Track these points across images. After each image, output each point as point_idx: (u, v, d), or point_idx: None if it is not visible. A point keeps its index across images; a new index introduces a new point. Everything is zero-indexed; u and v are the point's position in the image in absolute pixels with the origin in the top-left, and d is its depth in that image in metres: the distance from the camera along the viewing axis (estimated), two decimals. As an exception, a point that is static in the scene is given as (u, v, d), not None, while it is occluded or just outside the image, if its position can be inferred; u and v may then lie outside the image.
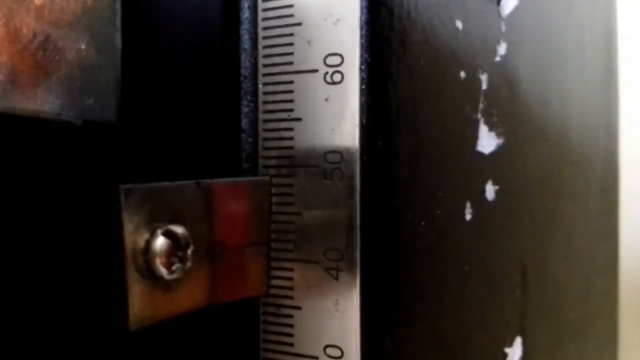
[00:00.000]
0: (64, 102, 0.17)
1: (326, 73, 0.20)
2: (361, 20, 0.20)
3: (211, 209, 0.18)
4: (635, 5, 0.56)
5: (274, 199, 0.21)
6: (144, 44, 0.20)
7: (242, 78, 0.21)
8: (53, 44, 0.17)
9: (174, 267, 0.17)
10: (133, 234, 0.16)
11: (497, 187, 0.27)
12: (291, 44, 0.20)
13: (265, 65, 0.21)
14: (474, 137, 0.25)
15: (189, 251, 0.18)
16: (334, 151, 0.20)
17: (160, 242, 0.17)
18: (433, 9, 0.23)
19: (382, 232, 0.21)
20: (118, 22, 0.18)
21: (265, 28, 0.21)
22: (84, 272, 0.17)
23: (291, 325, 0.21)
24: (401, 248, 0.22)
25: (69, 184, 0.17)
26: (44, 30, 0.17)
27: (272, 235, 0.21)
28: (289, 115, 0.21)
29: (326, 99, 0.20)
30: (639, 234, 0.53)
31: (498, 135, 0.27)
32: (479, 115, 0.25)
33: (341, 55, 0.20)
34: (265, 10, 0.21)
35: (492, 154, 0.26)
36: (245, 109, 0.21)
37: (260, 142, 0.21)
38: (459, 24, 0.24)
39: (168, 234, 0.17)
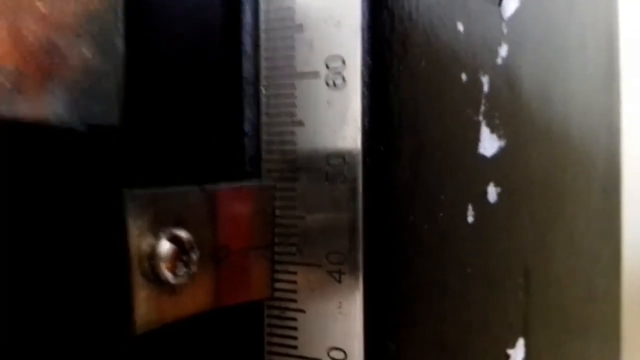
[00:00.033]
0: (68, 108, 0.17)
1: (328, 76, 0.20)
2: (362, 23, 0.20)
3: (215, 213, 0.18)
4: (637, 4, 0.56)
5: (277, 203, 0.21)
6: (145, 47, 0.20)
7: (244, 81, 0.21)
8: (57, 50, 0.17)
9: (178, 271, 0.17)
10: (138, 239, 0.17)
11: (499, 189, 0.27)
12: (292, 47, 0.21)
13: (267, 69, 0.21)
14: (476, 140, 0.25)
15: (194, 255, 0.18)
16: (336, 154, 0.20)
17: (165, 246, 0.17)
18: (434, 11, 0.23)
19: (384, 235, 0.21)
20: (121, 27, 0.18)
21: (267, 32, 0.21)
22: (90, 277, 0.17)
23: (295, 328, 0.21)
24: (403, 251, 0.22)
25: (74, 189, 0.17)
26: (48, 35, 0.17)
27: (276, 239, 0.21)
28: (291, 119, 0.21)
29: (328, 102, 0.20)
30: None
31: (500, 137, 0.27)
32: (481, 118, 0.25)
33: (342, 58, 0.20)
34: (267, 14, 0.21)
35: (494, 156, 0.26)
36: (247, 113, 0.21)
37: (262, 145, 0.21)
38: (460, 26, 0.24)
39: (173, 239, 0.17)
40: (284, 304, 0.21)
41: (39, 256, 0.17)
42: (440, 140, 0.23)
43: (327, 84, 0.20)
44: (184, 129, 0.20)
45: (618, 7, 0.44)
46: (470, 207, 0.25)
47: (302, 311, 0.21)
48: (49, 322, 0.17)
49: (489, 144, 0.26)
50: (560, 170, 0.34)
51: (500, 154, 0.27)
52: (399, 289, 0.21)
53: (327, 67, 0.20)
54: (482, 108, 0.25)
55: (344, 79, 0.20)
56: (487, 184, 0.26)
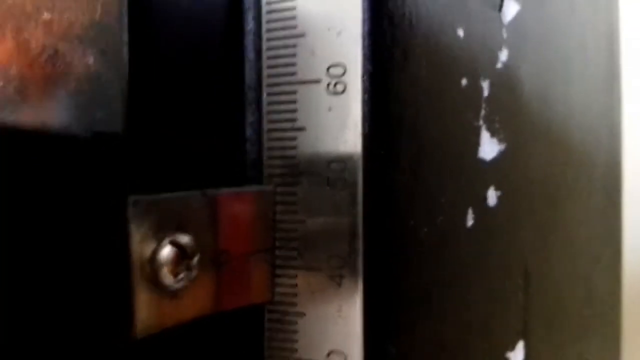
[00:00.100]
0: (73, 115, 0.17)
1: (329, 83, 0.20)
2: (363, 31, 0.20)
3: (216, 218, 0.19)
4: (638, 4, 0.56)
5: (278, 207, 0.21)
6: (148, 54, 0.20)
7: (246, 88, 0.21)
8: (61, 58, 0.17)
9: (179, 276, 0.17)
10: (140, 244, 0.17)
11: (499, 193, 0.27)
12: (295, 55, 0.21)
13: (269, 76, 0.21)
14: (476, 144, 0.26)
15: (195, 260, 0.18)
16: (337, 160, 0.20)
17: (166, 251, 0.17)
18: (434, 17, 0.23)
19: (384, 239, 0.21)
20: (125, 35, 0.18)
21: (269, 39, 0.21)
22: (92, 281, 0.18)
23: (295, 331, 0.21)
24: (403, 254, 0.22)
25: (76, 195, 0.17)
26: (53, 43, 0.17)
27: (277, 243, 0.21)
28: (293, 125, 0.21)
29: (329, 109, 0.20)
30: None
31: (500, 141, 0.27)
32: (481, 122, 0.26)
33: (344, 66, 0.20)
34: (269, 21, 0.21)
35: (494, 160, 0.27)
36: (249, 118, 0.21)
37: (264, 150, 0.21)
38: (460, 32, 0.24)
39: (174, 243, 0.17)
40: (284, 308, 0.21)
41: (41, 260, 0.17)
42: (440, 145, 0.23)
43: (329, 90, 0.20)
44: (186, 134, 0.20)
45: (618, 7, 0.44)
46: (470, 211, 0.25)
47: (303, 314, 0.21)
48: (51, 325, 0.17)
49: (489, 147, 0.26)
50: (561, 172, 0.34)
51: (501, 157, 0.27)
52: (399, 293, 0.22)
53: (329, 73, 0.20)
54: (482, 112, 0.26)
55: (345, 85, 0.20)
56: (487, 188, 0.26)
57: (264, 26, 0.21)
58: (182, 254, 0.18)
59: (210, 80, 0.21)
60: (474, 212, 0.25)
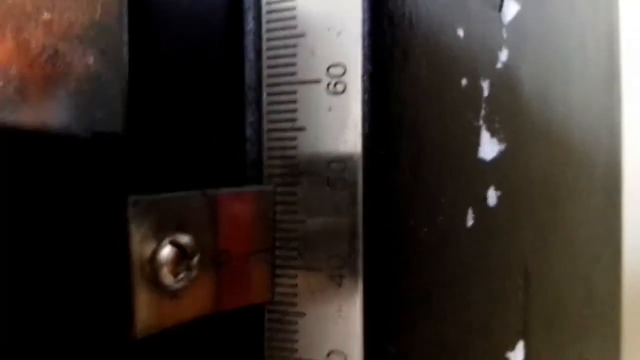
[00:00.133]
0: (73, 115, 0.17)
1: (329, 83, 0.20)
2: (363, 31, 0.20)
3: (216, 218, 0.19)
4: (638, 4, 0.56)
5: (278, 207, 0.21)
6: (148, 54, 0.20)
7: (246, 88, 0.21)
8: (61, 58, 0.17)
9: (179, 276, 0.17)
10: (140, 244, 0.17)
11: (499, 193, 0.27)
12: (295, 55, 0.21)
13: (269, 76, 0.21)
14: (476, 144, 0.26)
15: (195, 260, 0.18)
16: (337, 160, 0.20)
17: (166, 251, 0.17)
18: (434, 18, 0.23)
19: (384, 239, 0.21)
20: (125, 35, 0.18)
21: (269, 39, 0.21)
22: (92, 281, 0.18)
23: (295, 331, 0.21)
24: (403, 254, 0.22)
25: (76, 195, 0.17)
26: (53, 43, 0.17)
27: (277, 243, 0.21)
28: (293, 125, 0.21)
29: (329, 109, 0.20)
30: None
31: (500, 141, 0.27)
32: (481, 122, 0.26)
33: (344, 66, 0.20)
34: (269, 21, 0.21)
35: (494, 159, 0.27)
36: (249, 118, 0.21)
37: (264, 150, 0.21)
38: (460, 32, 0.24)
39: (174, 243, 0.17)
40: (284, 308, 0.21)
41: (41, 261, 0.17)
42: (440, 145, 0.23)
43: (329, 90, 0.20)
44: (186, 134, 0.20)
45: (618, 7, 0.44)
46: (470, 211, 0.25)
47: (303, 314, 0.21)
48: (51, 325, 0.17)
49: (489, 147, 0.26)
50: (561, 172, 0.34)
51: (501, 157, 0.27)
52: (399, 293, 0.22)
53: (329, 73, 0.20)
54: (482, 112, 0.26)
55: (345, 85, 0.20)
56: (487, 188, 0.26)
57: (264, 26, 0.21)
58: (182, 254, 0.18)
59: (210, 80, 0.21)
60: (474, 212, 0.25)
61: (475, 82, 0.25)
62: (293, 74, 0.21)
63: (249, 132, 0.21)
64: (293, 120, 0.21)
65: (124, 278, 0.17)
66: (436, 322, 0.24)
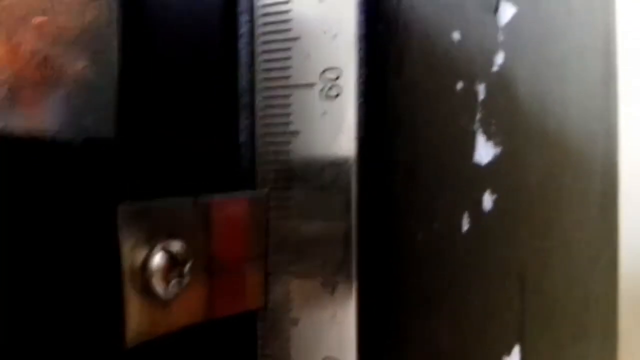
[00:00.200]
0: (64, 121, 0.17)
1: (323, 87, 0.20)
2: (358, 34, 0.20)
3: (209, 224, 0.19)
4: (635, 6, 0.56)
5: (272, 213, 0.21)
6: (141, 58, 0.20)
7: (240, 92, 0.21)
8: (52, 63, 0.17)
9: (171, 284, 0.17)
10: (131, 252, 0.17)
11: (494, 197, 0.27)
12: (289, 58, 0.21)
13: (263, 80, 0.21)
14: (471, 148, 0.25)
15: (187, 267, 0.18)
16: (331, 165, 0.20)
17: (157, 259, 0.17)
18: (430, 21, 0.23)
19: (379, 245, 0.21)
20: (116, 41, 0.18)
21: (263, 42, 0.21)
22: (82, 289, 0.17)
23: (289, 338, 0.21)
24: (398, 260, 0.22)
25: (68, 202, 0.17)
26: (44, 48, 0.17)
27: (270, 249, 0.21)
28: (287, 129, 0.21)
29: (323, 113, 0.20)
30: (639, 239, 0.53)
31: (495, 144, 0.27)
32: (476, 126, 0.25)
33: (338, 69, 0.20)
34: (263, 24, 0.21)
35: (490, 163, 0.26)
36: (243, 123, 0.21)
37: (258, 155, 0.21)
38: (456, 36, 0.24)
39: (166, 251, 0.17)
40: (278, 314, 0.21)
41: (32, 268, 0.17)
42: (435, 149, 0.23)
43: (323, 94, 0.20)
44: (179, 139, 0.20)
45: (615, 9, 0.44)
46: (465, 215, 0.25)
47: (297, 321, 0.21)
48: (42, 334, 0.17)
49: (484, 151, 0.26)
50: (557, 175, 0.34)
51: (496, 161, 0.27)
52: (394, 299, 0.21)
53: (323, 77, 0.20)
54: (478, 116, 0.26)
55: (339, 89, 0.20)
56: (482, 192, 0.26)
57: (258, 29, 0.21)
58: (174, 261, 0.17)
59: (203, 84, 0.21)
60: (470, 217, 0.25)
61: (471, 86, 0.25)
62: (287, 77, 0.21)
63: (242, 136, 0.21)
64: (287, 124, 0.21)
65: (115, 286, 0.17)
66: (431, 328, 0.23)
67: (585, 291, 0.38)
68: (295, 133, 0.21)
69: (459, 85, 0.24)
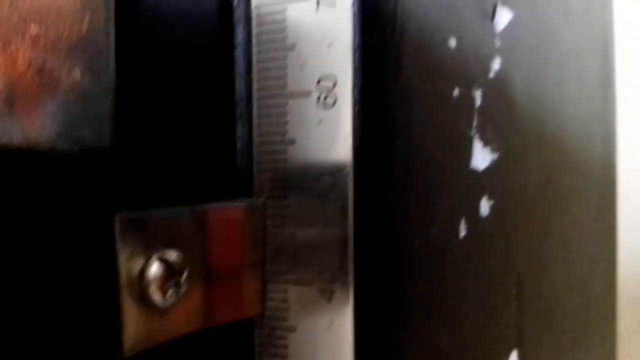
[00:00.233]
0: (59, 131, 0.17)
1: (319, 96, 0.20)
2: (354, 43, 0.20)
3: (205, 233, 0.19)
4: (633, 7, 0.56)
5: (269, 221, 0.21)
6: (137, 66, 0.20)
7: (236, 100, 0.21)
8: (49, 73, 0.17)
9: (169, 293, 0.17)
10: (128, 261, 0.17)
11: (492, 202, 0.27)
12: (285, 67, 0.21)
13: (259, 88, 0.21)
14: (468, 154, 0.25)
15: (184, 276, 0.18)
16: (327, 172, 0.20)
17: (154, 268, 0.17)
18: (426, 28, 0.23)
19: (376, 252, 0.21)
20: (112, 51, 0.18)
21: (259, 51, 0.21)
22: (79, 299, 0.17)
23: (286, 346, 0.21)
24: (396, 267, 0.22)
25: (64, 213, 0.17)
26: (40, 58, 0.17)
27: (267, 257, 0.21)
28: (283, 138, 0.21)
29: (319, 121, 0.20)
30: (638, 242, 0.53)
31: (493, 150, 0.27)
32: (473, 132, 0.25)
33: (334, 77, 0.20)
34: (259, 33, 0.21)
35: (487, 169, 0.26)
36: (240, 131, 0.21)
37: (254, 164, 0.21)
38: (452, 42, 0.24)
39: (163, 260, 0.17)
40: (275, 322, 0.21)
41: (28, 279, 0.17)
42: (432, 156, 0.23)
43: (319, 102, 0.20)
44: (175, 147, 0.20)
45: (613, 12, 0.44)
46: (463, 221, 0.25)
47: (294, 329, 0.21)
48: (39, 344, 0.17)
49: (481, 157, 0.26)
50: (555, 179, 0.34)
51: (493, 166, 0.27)
52: (391, 306, 0.22)
53: (319, 86, 0.20)
54: (475, 122, 0.26)
55: (335, 98, 0.20)
56: (480, 198, 0.26)
57: (254, 38, 0.21)
58: (170, 271, 0.17)
59: (200, 93, 0.21)
60: (467, 223, 0.25)
61: (468, 92, 0.25)
62: (283, 86, 0.21)
63: (239, 145, 0.21)
64: (283, 133, 0.21)
65: (112, 295, 0.17)
66: (429, 334, 0.24)
67: (584, 293, 0.38)
68: (291, 141, 0.21)
69: (456, 91, 0.24)
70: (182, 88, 0.21)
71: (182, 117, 0.21)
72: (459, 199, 0.25)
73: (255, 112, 0.21)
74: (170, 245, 0.18)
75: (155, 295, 0.17)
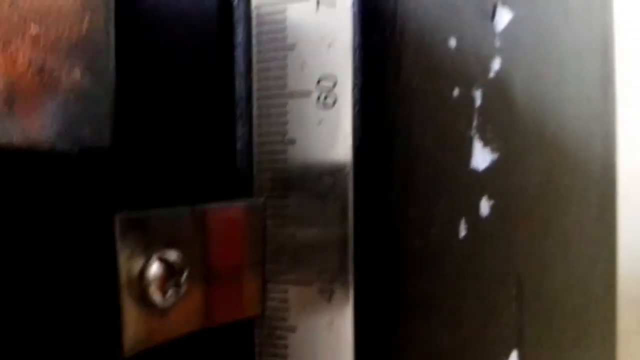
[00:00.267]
0: (59, 131, 0.17)
1: (319, 96, 0.20)
2: (354, 43, 0.20)
3: (205, 233, 0.19)
4: (633, 7, 0.56)
5: (269, 221, 0.21)
6: (137, 66, 0.20)
7: (236, 100, 0.21)
8: (49, 73, 0.17)
9: (169, 293, 0.17)
10: (128, 261, 0.17)
11: (492, 202, 0.27)
12: (285, 67, 0.21)
13: (259, 88, 0.21)
14: (468, 154, 0.25)
15: (184, 276, 0.18)
16: (327, 172, 0.20)
17: (154, 268, 0.17)
18: (426, 28, 0.23)
19: (376, 252, 0.21)
20: (112, 51, 0.18)
21: (259, 51, 0.21)
22: (80, 299, 0.17)
23: (286, 346, 0.21)
24: (396, 267, 0.22)
25: (64, 213, 0.17)
26: (40, 58, 0.17)
27: (267, 257, 0.21)
28: (283, 138, 0.21)
29: (319, 122, 0.20)
30: (638, 243, 0.53)
31: (493, 150, 0.27)
32: (473, 132, 0.25)
33: (334, 78, 0.20)
34: (259, 33, 0.21)
35: (487, 169, 0.26)
36: (240, 131, 0.21)
37: (254, 164, 0.21)
38: (452, 42, 0.24)
39: (163, 260, 0.17)
40: (275, 322, 0.21)
41: (28, 279, 0.17)
42: (432, 156, 0.23)
43: (319, 102, 0.20)
44: (175, 147, 0.20)
45: (613, 12, 0.44)
46: (463, 221, 0.25)
47: (294, 329, 0.21)
48: (39, 344, 0.17)
49: (481, 157, 0.26)
50: (555, 179, 0.34)
51: (493, 166, 0.27)
52: (391, 306, 0.22)
53: (319, 86, 0.20)
54: (475, 122, 0.26)
55: (335, 98, 0.20)
56: (480, 198, 0.26)
57: (254, 38, 0.21)
58: (170, 271, 0.17)
59: (200, 93, 0.21)
60: (467, 223, 0.25)
61: (468, 92, 0.25)
62: (283, 86, 0.21)
63: (239, 145, 0.21)
64: (283, 133, 0.21)
65: (112, 295, 0.17)
66: (429, 334, 0.24)
67: (584, 293, 0.38)
68: (291, 141, 0.21)
69: (456, 91, 0.24)
70: (182, 88, 0.21)
71: (182, 117, 0.21)
72: (459, 199, 0.25)
73: (255, 112, 0.21)
74: (170, 245, 0.18)
75: (155, 295, 0.17)
